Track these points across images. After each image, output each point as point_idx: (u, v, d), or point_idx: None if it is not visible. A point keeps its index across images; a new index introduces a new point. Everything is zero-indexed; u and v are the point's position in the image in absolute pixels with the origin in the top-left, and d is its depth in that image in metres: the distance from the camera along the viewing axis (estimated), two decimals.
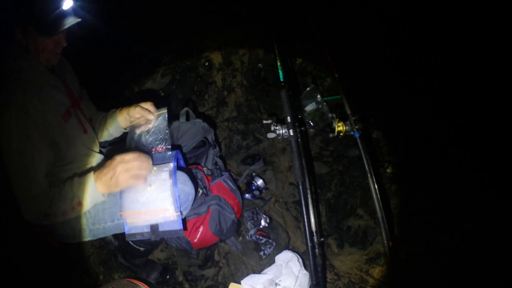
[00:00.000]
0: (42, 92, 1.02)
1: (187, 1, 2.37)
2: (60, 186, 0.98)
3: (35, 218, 0.98)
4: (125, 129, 1.29)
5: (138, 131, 1.19)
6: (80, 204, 0.97)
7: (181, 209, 1.03)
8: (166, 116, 1.17)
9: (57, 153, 1.06)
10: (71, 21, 1.01)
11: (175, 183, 0.98)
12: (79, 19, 1.03)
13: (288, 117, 1.09)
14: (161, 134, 1.13)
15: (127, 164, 0.93)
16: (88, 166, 1.21)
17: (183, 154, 1.43)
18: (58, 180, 1.11)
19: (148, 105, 1.20)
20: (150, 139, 1.14)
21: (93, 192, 0.96)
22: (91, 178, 0.96)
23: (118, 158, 0.94)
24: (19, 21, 0.98)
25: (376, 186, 1.08)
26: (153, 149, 1.09)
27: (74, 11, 1.02)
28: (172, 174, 1.00)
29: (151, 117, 1.18)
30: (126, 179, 0.94)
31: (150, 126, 1.18)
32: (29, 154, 0.96)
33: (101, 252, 1.66)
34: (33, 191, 0.96)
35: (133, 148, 1.07)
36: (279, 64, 1.29)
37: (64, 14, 1.00)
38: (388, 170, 1.85)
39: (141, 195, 0.97)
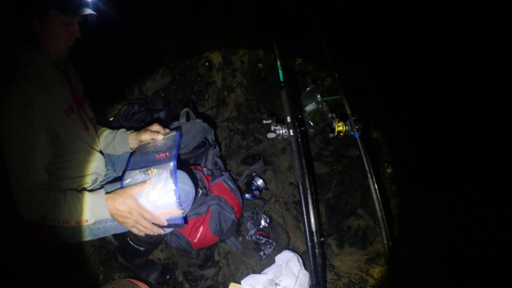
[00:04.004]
0: (46, 85, 1.03)
1: (187, 1, 2.37)
2: (66, 194, 0.99)
3: (33, 218, 0.97)
4: (131, 148, 1.32)
5: (145, 146, 1.23)
6: (87, 221, 0.99)
7: (182, 207, 1.05)
8: (177, 138, 1.18)
9: (58, 147, 1.07)
10: (89, 10, 1.05)
11: (175, 183, 0.99)
12: (95, 13, 1.08)
13: (288, 117, 1.09)
14: (166, 148, 1.15)
15: (138, 216, 1.00)
16: (88, 164, 1.22)
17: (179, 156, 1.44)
18: (57, 179, 1.11)
19: (156, 127, 1.25)
20: (156, 150, 1.17)
21: (103, 211, 1.00)
22: (103, 198, 0.99)
23: (136, 204, 0.99)
24: (42, 4, 1.00)
25: (376, 186, 1.08)
26: (157, 156, 1.11)
27: (90, 4, 1.08)
28: (173, 174, 1.00)
29: (160, 137, 1.22)
30: (127, 221, 1.01)
31: (158, 143, 1.20)
32: (29, 142, 0.97)
33: (101, 252, 1.66)
34: (31, 181, 0.96)
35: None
36: (279, 64, 1.29)
37: (84, 2, 1.05)
38: (388, 170, 1.85)
39: (146, 201, 1.00)
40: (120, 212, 0.99)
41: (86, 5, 1.06)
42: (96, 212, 0.99)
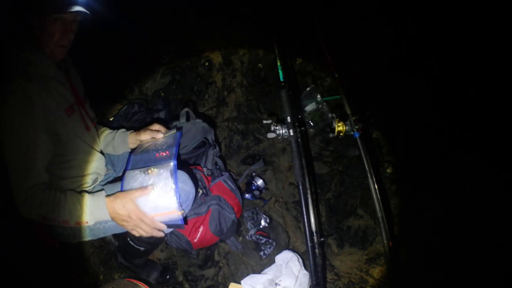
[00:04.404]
0: (46, 85, 1.04)
1: (190, 3, 2.37)
2: (67, 195, 0.99)
3: (33, 217, 0.97)
4: (130, 149, 1.33)
5: (145, 145, 1.23)
6: (87, 222, 0.99)
7: (182, 207, 1.05)
8: (177, 136, 1.19)
9: (58, 146, 1.07)
10: (79, 8, 1.05)
11: (175, 182, 0.99)
12: (88, 12, 1.07)
13: (288, 117, 1.09)
14: (166, 146, 1.16)
15: (138, 220, 1.00)
16: (89, 163, 1.22)
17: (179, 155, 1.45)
18: (58, 179, 1.11)
19: (157, 127, 1.26)
20: (156, 148, 1.17)
21: (103, 213, 1.00)
22: (103, 201, 0.99)
23: (136, 208, 0.99)
24: (42, 5, 1.00)
25: (376, 186, 1.08)
26: (157, 154, 1.11)
27: (83, 4, 1.07)
28: (173, 173, 1.00)
29: (160, 135, 1.23)
30: (126, 224, 1.01)
31: (158, 142, 1.21)
32: (29, 142, 0.97)
33: (101, 252, 1.66)
34: (31, 181, 0.96)
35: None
36: (279, 64, 1.29)
37: (76, 2, 1.05)
38: (388, 170, 1.85)
39: (147, 200, 1.00)
40: (119, 215, 0.99)
41: (76, 3, 1.06)
42: (96, 214, 0.99)
